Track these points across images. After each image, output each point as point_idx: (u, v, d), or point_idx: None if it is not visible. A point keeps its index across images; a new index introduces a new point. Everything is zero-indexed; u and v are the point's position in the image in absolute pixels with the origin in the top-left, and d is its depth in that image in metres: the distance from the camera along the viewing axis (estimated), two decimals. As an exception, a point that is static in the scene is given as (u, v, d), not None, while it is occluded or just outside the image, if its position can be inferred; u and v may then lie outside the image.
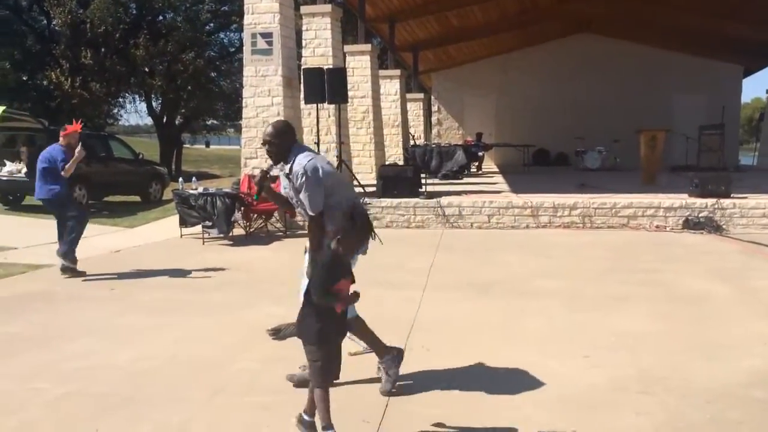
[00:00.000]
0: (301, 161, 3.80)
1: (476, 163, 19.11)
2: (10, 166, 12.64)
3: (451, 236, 9.60)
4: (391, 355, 3.88)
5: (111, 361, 4.37)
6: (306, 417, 3.20)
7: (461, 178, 15.76)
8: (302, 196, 3.86)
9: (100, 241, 9.62)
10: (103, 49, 25.29)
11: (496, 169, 20.39)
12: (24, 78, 26.18)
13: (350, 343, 4.55)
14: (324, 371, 3.11)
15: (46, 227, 8.84)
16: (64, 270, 7.05)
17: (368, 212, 3.35)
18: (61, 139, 7.24)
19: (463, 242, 9.16)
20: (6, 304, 5.95)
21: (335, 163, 11.98)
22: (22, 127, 13.39)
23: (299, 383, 3.84)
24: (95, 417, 3.51)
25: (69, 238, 7.10)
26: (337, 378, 3.20)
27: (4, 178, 12.64)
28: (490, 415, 3.47)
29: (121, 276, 7.16)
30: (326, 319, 3.13)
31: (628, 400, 3.64)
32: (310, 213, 3.91)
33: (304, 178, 3.78)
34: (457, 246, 8.86)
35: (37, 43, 26.63)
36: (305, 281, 3.68)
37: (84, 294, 6.35)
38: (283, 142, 3.85)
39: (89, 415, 3.54)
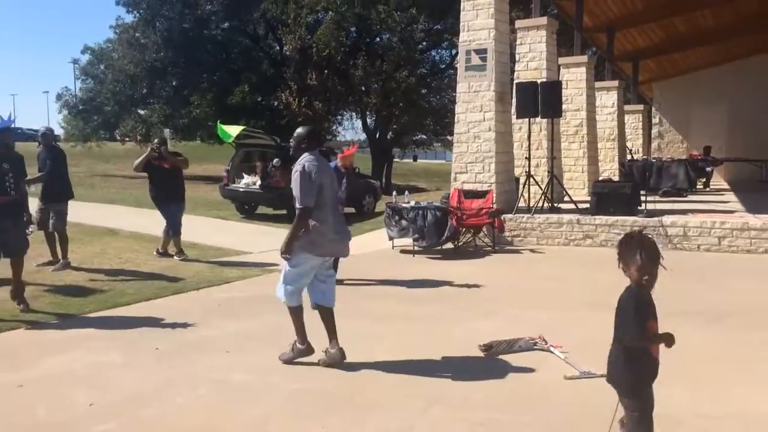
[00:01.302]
0: (302, 161, 4.47)
1: (703, 180, 17.47)
2: (246, 179, 14.12)
3: (674, 258, 8.79)
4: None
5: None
6: None
7: (685, 196, 14.49)
8: (294, 188, 4.42)
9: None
10: (326, 71, 27.32)
11: (727, 186, 18.42)
12: (259, 99, 29.19)
13: (566, 367, 4.39)
14: (642, 423, 2.83)
15: (276, 234, 9.71)
16: None
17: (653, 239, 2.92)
18: (338, 160, 8.06)
19: (689, 266, 8.40)
20: (244, 304, 6.61)
21: (546, 178, 11.70)
22: (258, 144, 14.85)
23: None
24: (321, 414, 3.75)
25: None
26: None
27: (242, 190, 14.14)
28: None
29: (340, 284, 7.61)
30: (641, 365, 2.87)
31: None
32: (299, 205, 4.40)
33: (297, 174, 4.40)
34: (682, 269, 8.12)
35: (271, 68, 29.57)
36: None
37: (306, 300, 6.83)
38: (299, 144, 4.59)
39: (316, 411, 3.79)
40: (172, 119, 28.70)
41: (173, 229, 8.95)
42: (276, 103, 27.85)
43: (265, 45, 31.27)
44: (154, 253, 9.09)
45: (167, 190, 8.91)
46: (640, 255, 2.78)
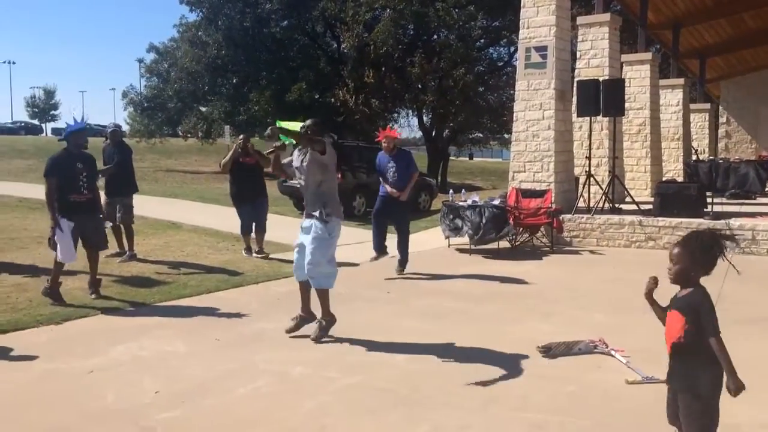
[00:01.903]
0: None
1: (773, 182, 16.76)
2: (304, 175, 14.30)
3: (742, 263, 8.50)
4: None
5: (389, 359, 4.67)
6: None
7: (754, 198, 13.93)
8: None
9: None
10: (383, 69, 27.39)
11: (799, 189, 17.62)
12: (316, 96, 29.49)
13: (627, 371, 4.30)
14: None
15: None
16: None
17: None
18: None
19: (759, 270, 8.08)
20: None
21: (607, 178, 11.44)
22: (316, 141, 15.00)
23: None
24: (377, 409, 3.78)
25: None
26: None
27: (299, 186, 14.31)
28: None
29: (396, 281, 7.65)
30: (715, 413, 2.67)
31: None
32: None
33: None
34: (751, 274, 7.82)
35: (328, 65, 29.83)
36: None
37: (364, 295, 6.90)
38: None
39: (372, 406, 3.82)
40: (232, 116, 29.29)
41: (259, 226, 8.91)
42: (333, 101, 28.08)
43: (323, 43, 31.56)
44: (244, 253, 8.88)
45: (250, 188, 8.84)
46: (718, 254, 2.67)
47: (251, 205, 8.92)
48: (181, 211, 13.44)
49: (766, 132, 20.49)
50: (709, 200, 10.29)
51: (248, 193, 8.87)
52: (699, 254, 2.69)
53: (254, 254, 8.82)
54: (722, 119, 21.97)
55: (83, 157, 6.39)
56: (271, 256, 8.84)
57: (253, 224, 8.97)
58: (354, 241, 9.81)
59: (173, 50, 33.01)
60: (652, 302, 2.86)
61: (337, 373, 4.38)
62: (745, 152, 20.20)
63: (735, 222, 9.40)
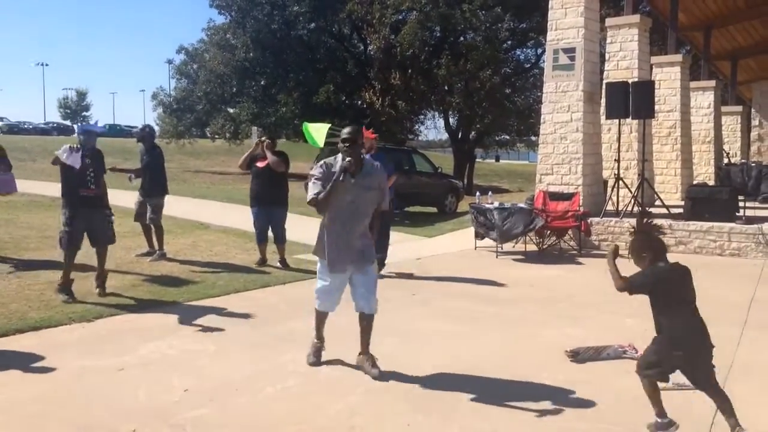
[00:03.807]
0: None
1: (807, 186, 16.40)
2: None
3: (775, 269, 8.38)
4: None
5: (416, 362, 4.66)
6: None
7: (787, 203, 13.67)
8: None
9: (403, 248, 10.41)
10: (409, 71, 27.39)
11: (834, 194, 17.22)
12: (343, 98, 29.60)
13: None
14: None
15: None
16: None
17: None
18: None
19: (792, 277, 7.93)
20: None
21: (636, 181, 11.30)
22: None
23: None
24: (406, 411, 3.78)
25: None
26: None
27: (326, 187, 14.38)
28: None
29: (422, 283, 7.65)
30: None
31: None
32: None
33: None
34: (784, 280, 7.70)
35: (355, 68, 29.92)
36: None
37: (389, 296, 6.86)
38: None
39: (400, 408, 3.82)
40: (260, 118, 29.51)
41: (276, 237, 8.35)
42: (360, 103, 28.16)
43: (350, 45, 31.67)
44: (256, 266, 8.29)
45: (266, 192, 8.25)
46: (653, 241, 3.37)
47: (265, 211, 8.32)
48: (209, 211, 13.59)
49: (801, 135, 20.06)
50: (741, 204, 10.11)
51: (263, 196, 8.29)
52: (642, 245, 3.34)
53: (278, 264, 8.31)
54: (754, 122, 21.54)
55: (92, 153, 6.46)
56: (298, 255, 8.87)
57: (273, 234, 8.40)
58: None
59: (202, 52, 33.39)
60: (614, 268, 3.34)
61: (366, 374, 4.39)
62: (779, 156, 19.79)
63: (767, 226, 9.23)
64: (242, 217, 11.64)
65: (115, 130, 51.95)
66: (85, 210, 6.32)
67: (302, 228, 9.91)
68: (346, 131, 4.41)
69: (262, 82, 30.91)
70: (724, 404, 3.25)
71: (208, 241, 10.08)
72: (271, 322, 5.75)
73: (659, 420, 3.37)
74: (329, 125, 14.43)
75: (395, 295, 6.91)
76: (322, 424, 3.62)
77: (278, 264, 8.32)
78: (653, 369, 3.31)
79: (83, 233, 6.41)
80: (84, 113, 73.46)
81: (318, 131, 12.11)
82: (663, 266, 3.27)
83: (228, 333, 5.37)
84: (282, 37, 29.21)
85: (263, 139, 8.43)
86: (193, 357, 4.75)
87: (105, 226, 6.56)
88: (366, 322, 4.51)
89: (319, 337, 4.70)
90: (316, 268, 4.61)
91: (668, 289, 3.24)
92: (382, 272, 8.01)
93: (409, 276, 7.93)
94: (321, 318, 4.69)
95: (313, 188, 4.35)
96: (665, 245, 3.39)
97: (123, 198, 10.11)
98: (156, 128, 16.48)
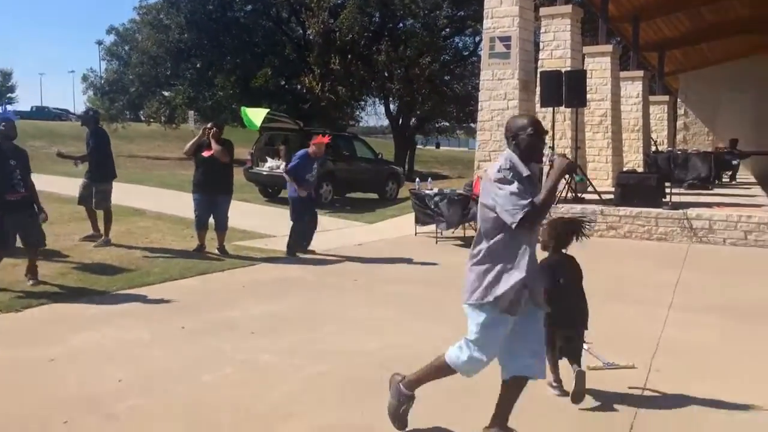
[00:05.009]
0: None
1: (729, 173, 17.25)
2: (270, 162, 14.20)
3: (698, 252, 8.80)
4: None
5: (359, 347, 4.69)
6: None
7: (710, 188, 14.34)
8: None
9: (344, 234, 10.42)
10: (349, 56, 27.29)
11: (754, 180, 18.18)
12: (282, 83, 29.25)
13: (590, 358, 4.39)
14: None
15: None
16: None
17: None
18: (310, 147, 8.36)
19: (714, 259, 8.35)
20: (269, 286, 6.69)
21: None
22: (281, 128, 14.92)
23: None
24: (346, 397, 3.80)
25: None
26: None
27: (265, 173, 14.23)
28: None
29: (363, 268, 7.68)
30: None
31: None
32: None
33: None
34: (707, 263, 8.09)
35: (294, 52, 29.58)
36: None
37: (332, 283, 6.91)
38: None
39: (340, 395, 3.85)
40: (196, 101, 28.87)
41: (218, 225, 8.19)
42: (299, 87, 27.89)
43: (288, 29, 31.28)
44: (195, 251, 8.15)
45: (210, 181, 8.04)
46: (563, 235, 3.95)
47: (208, 199, 8.13)
48: (144, 197, 13.22)
49: (723, 124, 21.02)
50: (667, 190, 10.54)
51: (207, 185, 8.09)
52: (548, 233, 3.94)
53: (216, 251, 8.16)
54: (680, 111, 22.47)
55: (15, 153, 6.14)
56: (236, 242, 8.76)
57: (214, 221, 8.27)
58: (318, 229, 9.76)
59: (134, 33, 32.34)
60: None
61: (306, 361, 4.39)
62: (703, 144, 20.72)
63: (692, 212, 9.66)
64: (179, 203, 11.41)
65: (42, 113, 49.63)
66: (14, 215, 6.02)
67: (241, 215, 9.79)
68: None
69: (198, 65, 30.22)
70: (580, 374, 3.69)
71: (143, 228, 9.83)
72: (209, 309, 5.67)
73: (554, 384, 3.87)
74: (268, 110, 14.23)
75: (339, 282, 6.93)
76: (260, 411, 3.61)
77: (216, 251, 8.16)
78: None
79: (14, 236, 6.14)
80: (9, 95, 70.00)
81: (256, 115, 11.94)
82: (555, 258, 3.93)
83: (164, 321, 5.26)
84: (218, 18, 28.59)
85: (210, 126, 8.25)
86: (128, 346, 4.64)
87: (36, 229, 6.28)
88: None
89: None
90: (479, 322, 3.27)
91: (556, 276, 3.84)
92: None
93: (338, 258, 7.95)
94: None
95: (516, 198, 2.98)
96: (567, 241, 3.92)
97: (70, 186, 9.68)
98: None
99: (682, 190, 13.11)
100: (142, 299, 5.95)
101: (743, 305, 5.99)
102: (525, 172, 3.05)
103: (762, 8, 16.57)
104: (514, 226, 2.96)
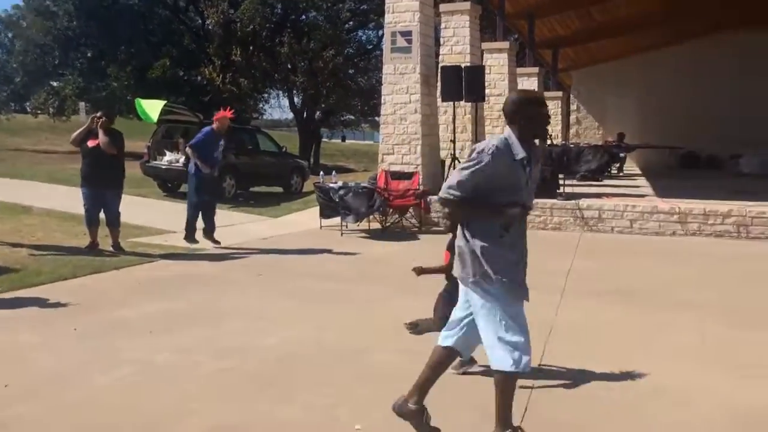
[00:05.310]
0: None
1: (617, 165, 18.29)
2: (169, 156, 13.73)
3: (590, 240, 9.28)
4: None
5: (260, 342, 4.64)
6: None
7: (601, 180, 15.15)
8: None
9: (248, 228, 10.24)
10: (251, 47, 26.75)
11: (639, 172, 19.37)
12: (181, 74, 28.27)
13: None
14: None
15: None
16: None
17: None
18: (214, 123, 8.31)
19: (604, 247, 8.83)
20: (168, 283, 6.48)
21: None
22: (180, 120, 14.45)
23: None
24: (246, 393, 3.76)
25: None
26: None
27: (164, 167, 13.74)
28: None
29: (267, 263, 7.59)
30: None
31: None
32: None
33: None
34: (597, 250, 8.55)
35: (193, 42, 28.66)
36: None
37: (235, 278, 6.78)
38: None
39: (241, 391, 3.79)
40: (88, 92, 27.38)
41: (109, 221, 7.81)
42: (199, 79, 27.08)
43: (187, 18, 30.26)
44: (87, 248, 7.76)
45: (99, 174, 7.63)
46: None
47: (96, 193, 7.75)
48: (31, 193, 12.46)
49: (611, 119, 22.23)
50: (561, 182, 11.05)
51: (94, 177, 7.68)
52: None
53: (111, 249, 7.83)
54: (573, 107, 23.56)
55: None
56: (133, 239, 8.43)
57: (105, 217, 7.88)
58: (222, 223, 9.56)
59: (17, 19, 30.31)
60: (427, 272, 4.38)
61: (205, 358, 4.30)
62: (593, 138, 21.82)
63: (584, 202, 10.18)
64: (69, 199, 10.82)
65: None
66: None
67: (138, 210, 9.42)
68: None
69: (89, 54, 28.70)
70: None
71: (30, 226, 9.26)
72: (104, 309, 5.43)
73: (462, 359, 3.91)
74: (165, 101, 13.76)
75: (242, 277, 6.81)
76: (156, 412, 3.50)
77: (111, 248, 7.81)
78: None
79: None
80: None
81: (152, 107, 11.50)
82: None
83: (55, 323, 5.00)
84: (109, 5, 27.23)
85: (99, 115, 7.76)
86: (15, 351, 4.38)
87: None
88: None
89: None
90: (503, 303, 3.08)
91: None
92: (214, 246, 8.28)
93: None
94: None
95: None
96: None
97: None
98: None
99: (574, 182, 13.78)
100: (31, 301, 5.61)
101: (630, 289, 6.38)
102: (520, 154, 2.98)
103: (640, 8, 17.66)
104: (438, 199, 3.01)
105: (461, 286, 3.23)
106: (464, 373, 4.02)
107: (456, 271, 3.18)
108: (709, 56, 20.00)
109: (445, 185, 3.05)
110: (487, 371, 3.73)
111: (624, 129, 20.13)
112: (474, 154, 2.97)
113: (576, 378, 4.00)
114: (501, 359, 3.00)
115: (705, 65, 20.10)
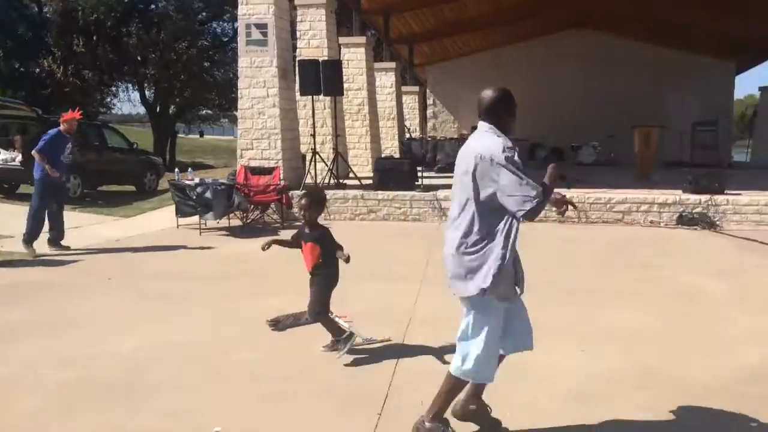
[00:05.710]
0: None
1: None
2: (4, 155, 12.57)
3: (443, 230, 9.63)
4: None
5: (112, 349, 4.39)
6: None
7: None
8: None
9: (97, 230, 9.63)
10: (95, 38, 25.12)
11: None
12: (16, 66, 25.98)
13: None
14: None
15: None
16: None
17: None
18: (61, 124, 7.78)
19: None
20: (6, 292, 5.95)
21: (332, 155, 11.99)
22: (16, 116, 13.31)
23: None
24: (101, 401, 3.54)
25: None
26: None
27: (-1, 167, 12.58)
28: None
29: (119, 265, 7.18)
30: None
31: (625, 394, 3.70)
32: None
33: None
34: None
35: (29, 31, 26.40)
36: None
37: (82, 283, 6.36)
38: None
39: (95, 399, 3.57)
40: None
41: None
42: (38, 71, 25.03)
43: (20, 5, 27.78)
44: None
45: None
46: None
47: None
48: None
49: (465, 113, 23.16)
50: (419, 174, 11.39)
51: None
52: (316, 205, 4.33)
53: None
54: (429, 101, 24.33)
55: None
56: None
57: None
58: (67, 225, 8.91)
59: None
60: (278, 243, 4.50)
61: (51, 370, 3.99)
62: (449, 131, 22.67)
63: (441, 193, 10.55)
64: None
65: None
66: None
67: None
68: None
69: None
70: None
71: None
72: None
73: (337, 338, 4.27)
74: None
75: (90, 282, 6.40)
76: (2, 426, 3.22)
77: None
78: (324, 306, 4.27)
79: None
80: None
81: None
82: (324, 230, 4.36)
83: None
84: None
85: None
86: None
87: None
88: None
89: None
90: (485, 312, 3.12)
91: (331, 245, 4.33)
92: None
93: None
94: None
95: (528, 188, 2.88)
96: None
97: None
98: None
99: (432, 174, 14.26)
100: None
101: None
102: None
103: (488, 8, 18.59)
104: (519, 215, 2.86)
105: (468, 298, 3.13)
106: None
107: (475, 285, 3.05)
108: (555, 54, 21.46)
109: (519, 200, 2.83)
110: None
111: (477, 122, 21.04)
112: (515, 158, 2.92)
113: (434, 361, 4.14)
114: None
115: (551, 62, 21.52)
